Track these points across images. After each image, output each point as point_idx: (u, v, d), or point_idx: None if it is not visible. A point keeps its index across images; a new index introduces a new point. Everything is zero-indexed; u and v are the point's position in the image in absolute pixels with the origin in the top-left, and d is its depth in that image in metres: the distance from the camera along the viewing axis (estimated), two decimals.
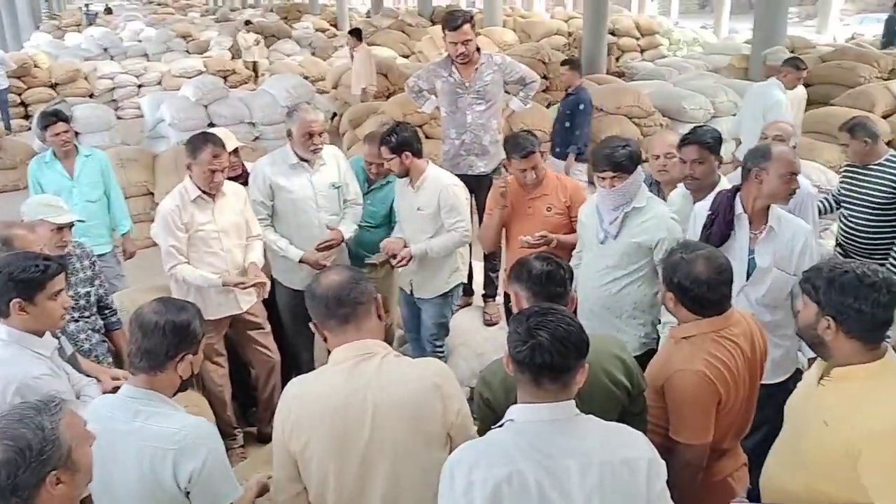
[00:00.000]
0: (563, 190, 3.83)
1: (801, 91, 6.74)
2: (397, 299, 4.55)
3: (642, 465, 1.76)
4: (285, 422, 2.05)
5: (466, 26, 4.57)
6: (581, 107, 6.82)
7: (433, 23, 17.91)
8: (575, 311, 3.45)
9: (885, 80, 9.63)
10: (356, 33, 11.02)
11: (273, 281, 4.14)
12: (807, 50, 12.31)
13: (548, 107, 9.53)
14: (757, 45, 10.35)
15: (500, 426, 1.82)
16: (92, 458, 1.72)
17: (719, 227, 3.04)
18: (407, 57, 15.23)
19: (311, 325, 2.15)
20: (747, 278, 3.04)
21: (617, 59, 15.04)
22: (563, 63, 7.35)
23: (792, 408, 2.27)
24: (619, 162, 3.14)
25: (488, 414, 2.20)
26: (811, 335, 2.09)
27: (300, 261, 3.99)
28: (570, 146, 6.83)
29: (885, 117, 8.40)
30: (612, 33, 14.89)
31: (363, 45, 10.93)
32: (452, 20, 4.59)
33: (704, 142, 3.42)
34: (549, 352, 1.73)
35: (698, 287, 2.34)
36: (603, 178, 3.21)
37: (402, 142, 3.82)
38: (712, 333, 2.37)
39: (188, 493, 2.00)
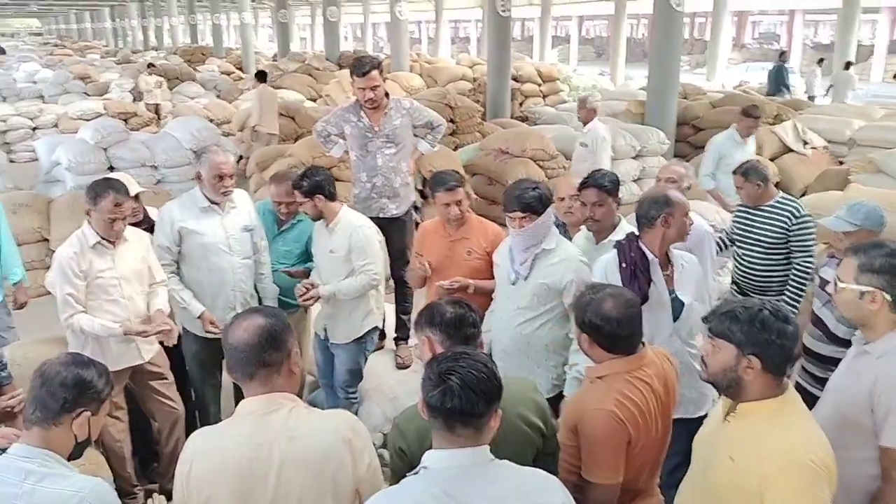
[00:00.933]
0: (484, 235, 3.83)
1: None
2: (311, 344, 4.48)
3: None
4: (186, 477, 1.97)
5: (374, 72, 4.63)
6: None
7: (340, 67, 18.05)
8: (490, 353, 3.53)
9: (771, 125, 10.33)
10: (261, 75, 11.44)
11: (182, 328, 4.03)
12: (698, 96, 13.12)
13: (455, 149, 9.74)
14: (652, 92, 10.94)
15: (416, 473, 1.82)
16: None
17: (643, 278, 3.11)
18: (314, 100, 15.25)
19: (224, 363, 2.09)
20: (675, 319, 3.14)
21: (521, 104, 15.51)
22: None
23: (699, 444, 2.33)
24: (528, 203, 3.22)
25: (401, 466, 2.18)
26: (730, 377, 2.10)
27: (198, 317, 3.88)
28: None
29: (772, 160, 9.02)
30: (516, 79, 15.37)
31: (263, 86, 11.24)
32: (360, 66, 4.65)
33: (602, 185, 3.57)
34: (460, 397, 1.74)
35: (609, 324, 2.39)
36: (513, 219, 3.28)
37: (315, 185, 3.83)
38: (625, 374, 2.41)
39: None
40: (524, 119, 13.96)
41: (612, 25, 27.43)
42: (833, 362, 3.14)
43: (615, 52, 24.89)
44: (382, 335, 4.86)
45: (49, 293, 3.82)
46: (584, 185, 3.65)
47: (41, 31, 72.68)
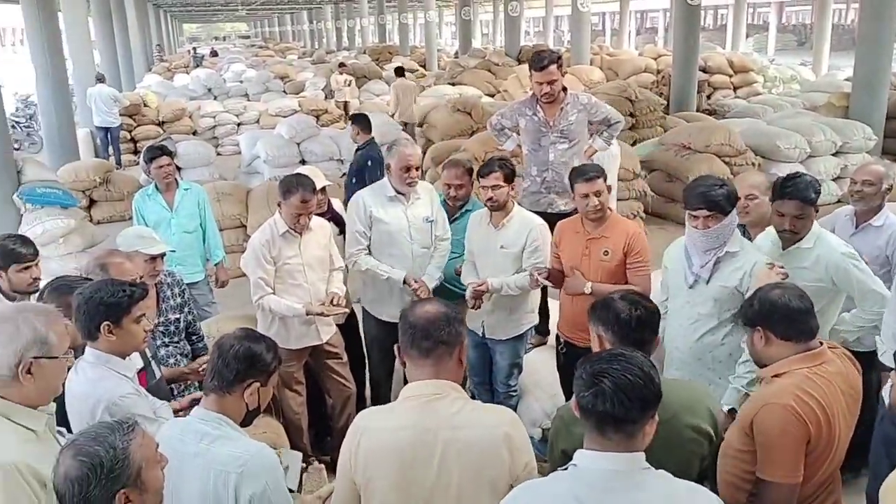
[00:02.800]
0: (624, 235, 3.64)
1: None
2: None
3: None
4: (352, 453, 2.07)
5: (553, 66, 4.62)
6: (369, 163, 6.50)
7: (520, 62, 18.10)
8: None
9: None
10: (398, 70, 14.84)
11: (363, 311, 4.27)
12: None
13: (633, 144, 9.45)
14: (858, 83, 9.97)
15: (564, 469, 1.80)
16: (161, 480, 1.80)
17: None
18: (492, 95, 15.43)
19: (395, 346, 2.17)
20: None
21: (708, 97, 14.75)
22: (351, 118, 7.10)
23: None
24: (715, 201, 3.00)
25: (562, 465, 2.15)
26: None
27: (403, 282, 4.01)
28: None
29: None
30: (704, 70, 14.63)
31: (401, 80, 14.09)
32: (539, 60, 4.65)
33: (807, 198, 3.19)
34: (612, 401, 1.68)
35: (779, 309, 2.30)
36: (696, 218, 3.06)
37: (514, 173, 3.88)
38: (805, 369, 2.28)
39: None
40: (711, 112, 13.26)
41: (817, 11, 25.23)
42: None
43: (819, 39, 22.84)
44: (545, 330, 4.85)
45: (244, 275, 4.19)
46: (783, 195, 3.24)
47: (248, 33, 79.38)
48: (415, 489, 2.01)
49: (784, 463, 2.20)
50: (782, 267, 2.98)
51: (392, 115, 13.07)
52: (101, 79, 13.30)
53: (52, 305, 2.58)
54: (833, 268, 3.16)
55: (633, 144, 9.43)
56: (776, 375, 2.31)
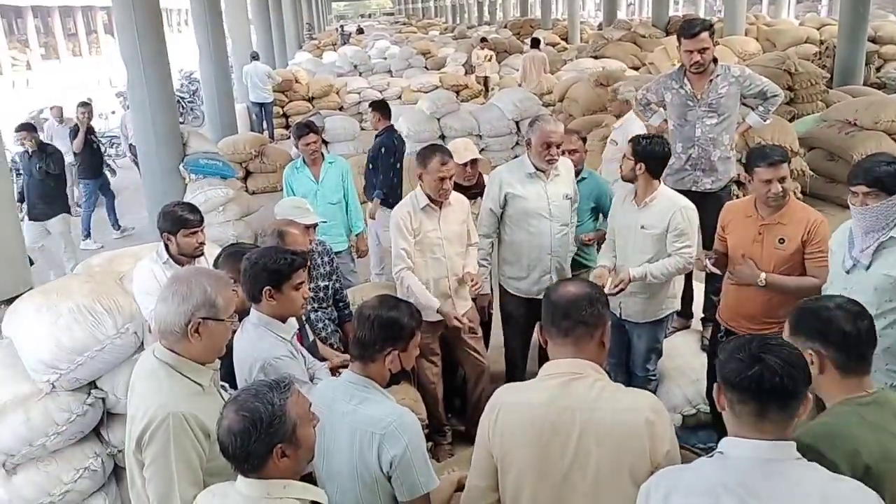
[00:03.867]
0: (804, 223, 3.41)
1: None
2: None
3: None
4: (492, 427, 2.09)
5: (704, 34, 4.41)
6: (382, 150, 6.23)
7: (667, 33, 17.34)
8: None
9: None
10: (534, 42, 15.34)
11: (500, 287, 4.33)
12: None
13: (791, 120, 8.86)
14: None
15: (710, 456, 1.74)
16: (314, 437, 1.91)
17: None
18: (637, 69, 14.91)
19: (538, 324, 2.19)
20: None
21: (878, 70, 13.54)
22: (371, 105, 6.74)
23: None
24: (877, 176, 2.77)
25: None
26: None
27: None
28: (375, 191, 6.18)
29: None
30: (873, 41, 13.42)
31: (533, 51, 14.79)
32: (689, 27, 4.45)
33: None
34: (780, 375, 1.63)
35: None
36: (856, 195, 2.84)
37: (649, 154, 3.72)
38: None
39: (390, 477, 2.16)
40: (881, 87, 12.19)
41: None
42: None
43: None
44: (688, 314, 4.69)
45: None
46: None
47: (392, 10, 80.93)
48: (551, 468, 2.00)
49: None
50: None
51: (519, 85, 13.29)
52: (255, 57, 14.06)
53: (224, 271, 2.80)
54: None
55: (792, 120, 8.82)
56: None
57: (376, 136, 6.47)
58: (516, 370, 4.46)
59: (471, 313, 4.19)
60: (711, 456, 1.74)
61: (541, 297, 4.07)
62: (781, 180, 3.38)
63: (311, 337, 3.33)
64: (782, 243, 3.42)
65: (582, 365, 2.03)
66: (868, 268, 2.87)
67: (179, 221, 3.51)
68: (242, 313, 2.73)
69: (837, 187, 7.97)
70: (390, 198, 5.98)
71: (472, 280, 4.01)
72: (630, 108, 6.07)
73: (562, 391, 2.01)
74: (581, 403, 1.98)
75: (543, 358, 4.52)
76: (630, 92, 6.16)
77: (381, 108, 6.57)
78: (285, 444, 1.79)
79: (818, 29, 16.42)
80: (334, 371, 3.12)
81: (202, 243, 3.60)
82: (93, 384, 3.38)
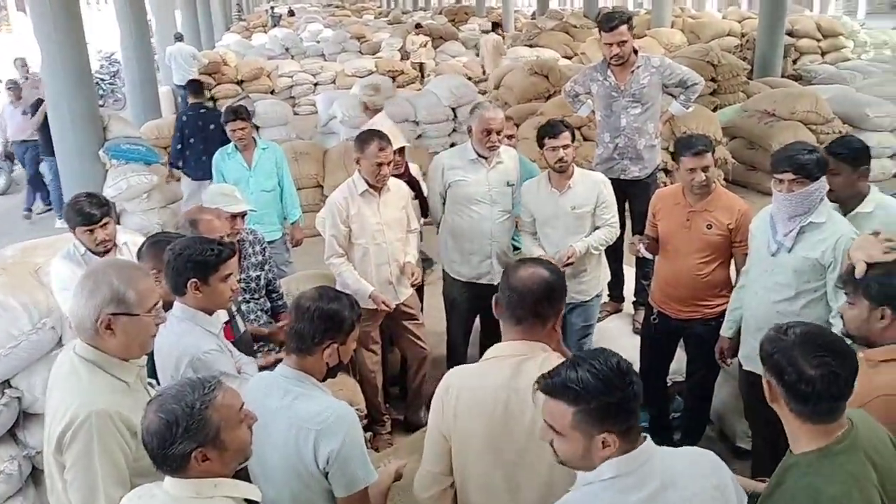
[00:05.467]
0: (729, 210, 3.57)
1: None
2: None
3: None
4: (446, 409, 2.09)
5: (622, 27, 4.49)
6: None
7: (599, 24, 17.60)
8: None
9: None
10: (494, 25, 16.00)
11: (443, 272, 4.36)
12: None
13: (714, 110, 9.12)
14: None
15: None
16: (245, 439, 1.83)
17: None
18: (570, 58, 15.09)
19: (494, 297, 2.18)
20: None
21: (794, 62, 14.07)
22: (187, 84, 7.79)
23: None
24: (802, 164, 2.90)
25: None
26: None
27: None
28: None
29: None
30: (791, 34, 13.93)
31: (491, 34, 15.17)
32: (608, 21, 4.53)
33: (836, 153, 3.08)
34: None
35: None
36: (781, 182, 2.97)
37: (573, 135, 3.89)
38: None
39: (327, 473, 2.11)
40: (797, 78, 12.65)
41: None
42: None
43: None
44: (619, 297, 4.80)
45: (319, 234, 4.26)
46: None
47: None
48: (506, 448, 2.03)
49: None
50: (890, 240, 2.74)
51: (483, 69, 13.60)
52: (179, 38, 13.64)
53: (146, 262, 2.69)
54: None
55: (715, 110, 9.10)
56: (886, 360, 2.19)
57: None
58: (457, 355, 4.48)
59: (412, 300, 4.19)
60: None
61: (482, 281, 4.20)
62: (705, 169, 3.51)
63: (243, 329, 3.24)
64: (710, 229, 3.56)
65: (532, 346, 2.08)
66: (790, 250, 3.02)
67: (78, 216, 3.32)
68: (167, 305, 2.65)
69: (757, 174, 8.29)
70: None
71: (412, 272, 4.00)
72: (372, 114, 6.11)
73: (515, 371, 2.03)
74: (531, 383, 1.98)
75: (485, 343, 4.57)
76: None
77: (190, 85, 7.72)
78: (207, 447, 1.72)
79: (740, 22, 16.98)
80: (263, 369, 3.06)
81: (106, 240, 3.39)
82: (7, 383, 3.22)
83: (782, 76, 11.98)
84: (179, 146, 7.42)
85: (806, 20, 15.79)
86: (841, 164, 3.10)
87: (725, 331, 3.49)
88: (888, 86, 9.46)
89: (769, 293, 3.13)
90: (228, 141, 5.29)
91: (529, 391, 1.95)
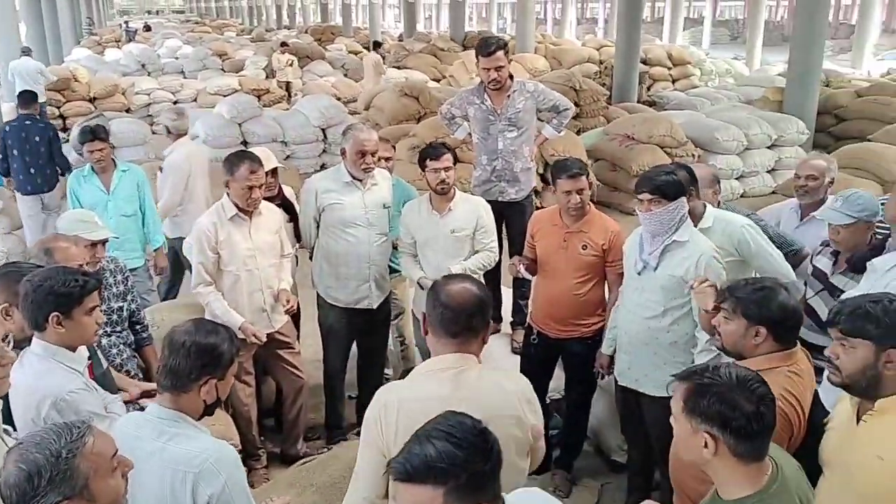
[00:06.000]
0: (603, 231, 3.69)
1: None
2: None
3: None
4: (386, 429, 2.01)
5: (500, 53, 4.58)
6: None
7: (465, 47, 18.04)
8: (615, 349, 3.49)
9: None
10: (375, 44, 16.33)
11: (318, 298, 4.23)
12: (842, 84, 12.23)
13: (578, 133, 9.54)
14: (793, 78, 10.31)
15: None
16: (119, 489, 1.68)
17: None
18: (438, 81, 15.34)
19: (422, 313, 2.18)
20: None
21: (648, 88, 15.00)
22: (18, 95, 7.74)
23: (831, 452, 2.19)
24: (658, 185, 3.07)
25: None
26: (869, 376, 2.03)
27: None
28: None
29: None
30: (644, 62, 14.86)
31: (372, 53, 15.45)
32: (486, 46, 4.61)
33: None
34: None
35: (793, 316, 2.37)
36: (641, 202, 3.14)
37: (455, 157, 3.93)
38: (784, 368, 2.33)
39: None
40: (651, 104, 13.48)
41: (750, 6, 25.96)
42: (821, 350, 2.98)
43: (752, 34, 23.50)
44: (497, 318, 4.85)
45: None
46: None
47: (183, 8, 76.90)
48: None
49: None
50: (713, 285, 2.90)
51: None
52: (27, 52, 12.65)
53: None
54: (736, 240, 3.31)
55: (578, 134, 9.52)
56: (763, 370, 2.28)
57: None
58: (335, 383, 4.36)
59: (287, 328, 4.04)
60: None
61: (360, 306, 4.11)
62: (580, 191, 3.62)
63: (105, 365, 2.99)
64: (585, 249, 3.67)
65: (466, 358, 2.09)
66: (656, 269, 3.17)
67: None
68: (22, 342, 2.40)
69: (620, 195, 8.71)
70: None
71: (286, 299, 3.85)
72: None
73: (457, 382, 2.04)
74: (472, 392, 2.03)
75: (364, 370, 4.48)
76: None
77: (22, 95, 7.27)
78: (74, 499, 1.55)
79: (598, 49, 17.94)
80: (132, 402, 2.84)
81: None
82: None
83: (638, 101, 12.74)
84: (1, 157, 6.89)
85: (658, 49, 16.91)
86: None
87: (606, 348, 3.60)
88: (733, 111, 10.24)
89: (640, 310, 3.26)
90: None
91: (471, 399, 1.98)
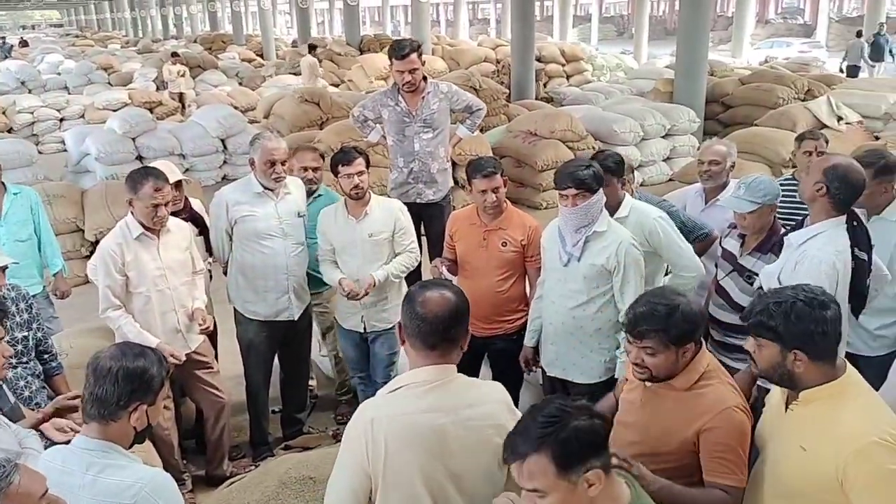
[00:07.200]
0: (521, 227, 3.73)
1: None
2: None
3: None
4: (373, 445, 1.96)
5: (413, 55, 4.61)
6: None
7: (362, 51, 17.97)
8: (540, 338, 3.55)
9: (802, 100, 10.14)
10: (311, 47, 16.20)
11: (235, 313, 4.10)
12: (726, 73, 12.91)
13: (482, 132, 9.65)
14: (681, 70, 10.79)
15: None
16: None
17: None
18: (337, 86, 15.21)
19: (397, 324, 2.12)
20: None
21: (545, 85, 15.36)
22: None
23: (764, 437, 2.25)
24: (582, 179, 3.13)
25: None
26: (781, 373, 2.06)
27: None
28: None
29: None
30: (539, 59, 15.21)
31: (307, 56, 15.50)
32: (399, 49, 4.62)
33: (606, 166, 3.40)
34: None
35: (693, 321, 2.31)
36: (565, 197, 3.18)
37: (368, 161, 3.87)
38: (719, 368, 2.39)
39: None
40: (549, 100, 13.82)
41: (635, 2, 27.04)
42: (734, 329, 3.26)
43: (639, 29, 24.54)
44: None
45: (88, 282, 3.83)
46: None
47: (62, 21, 73.24)
48: (440, 470, 1.99)
49: (744, 465, 2.23)
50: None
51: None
52: None
53: None
54: (648, 231, 3.43)
55: (483, 132, 9.63)
56: (701, 378, 2.31)
57: None
58: (259, 399, 4.24)
59: (204, 347, 3.90)
60: None
61: (280, 318, 4.02)
62: (496, 190, 3.65)
63: (12, 400, 2.80)
64: (505, 246, 3.71)
65: (446, 369, 2.05)
66: (580, 260, 3.25)
67: None
68: None
69: (527, 191, 8.87)
70: None
71: (201, 318, 3.72)
72: None
73: (441, 394, 2.01)
74: (459, 403, 2.01)
75: (288, 382, 4.38)
76: None
77: None
78: None
79: (493, 49, 18.25)
80: (36, 427, 2.65)
81: None
82: None
83: (536, 98, 13.03)
84: None
85: (551, 46, 17.34)
86: (609, 175, 3.43)
87: (528, 341, 3.65)
88: (627, 104, 10.62)
89: (565, 300, 3.33)
90: None
91: (457, 410, 1.99)
